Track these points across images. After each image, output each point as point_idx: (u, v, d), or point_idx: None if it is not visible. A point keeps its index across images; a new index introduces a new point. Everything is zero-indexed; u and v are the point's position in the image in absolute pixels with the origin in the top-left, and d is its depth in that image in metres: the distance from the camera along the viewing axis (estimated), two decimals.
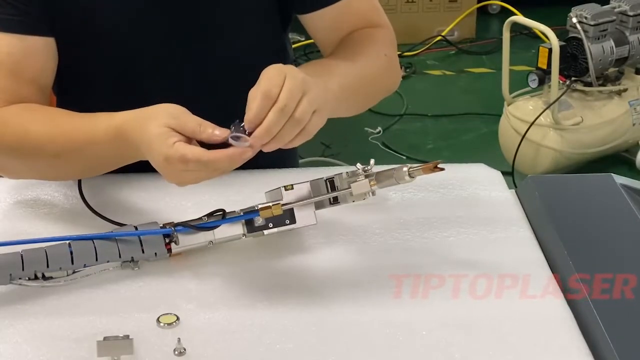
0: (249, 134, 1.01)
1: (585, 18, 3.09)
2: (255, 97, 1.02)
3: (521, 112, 3.14)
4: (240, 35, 1.30)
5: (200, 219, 1.09)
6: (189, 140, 1.03)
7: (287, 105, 1.01)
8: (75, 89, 1.33)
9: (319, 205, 1.10)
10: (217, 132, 1.03)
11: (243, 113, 1.42)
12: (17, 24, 1.19)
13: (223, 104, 1.32)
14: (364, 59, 1.25)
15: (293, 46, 1.55)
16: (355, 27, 1.31)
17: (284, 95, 1.01)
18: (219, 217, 1.08)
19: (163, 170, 1.04)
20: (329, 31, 1.32)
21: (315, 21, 1.32)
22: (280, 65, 1.06)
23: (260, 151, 1.38)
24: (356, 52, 1.26)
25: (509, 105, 3.20)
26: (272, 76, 1.03)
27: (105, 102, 1.30)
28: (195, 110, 1.31)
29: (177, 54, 1.27)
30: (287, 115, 1.01)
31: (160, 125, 1.03)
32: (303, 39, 3.87)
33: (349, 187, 1.08)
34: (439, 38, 4.49)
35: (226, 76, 1.31)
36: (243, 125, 1.02)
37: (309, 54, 3.95)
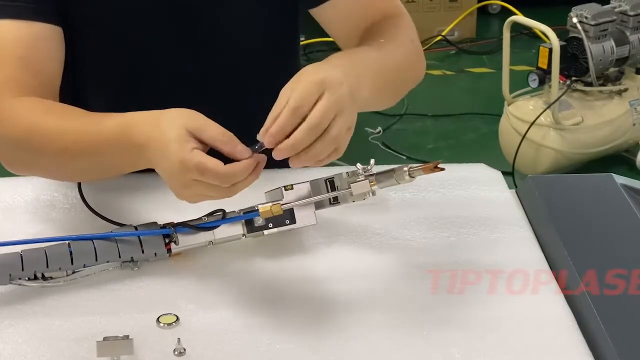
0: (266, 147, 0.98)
1: (586, 18, 3.10)
2: (280, 105, 0.98)
3: (521, 112, 3.14)
4: (249, 34, 1.29)
5: (200, 219, 1.09)
6: (204, 150, 0.99)
7: (319, 125, 0.97)
8: (80, 92, 1.32)
9: (319, 205, 1.10)
10: (239, 148, 0.98)
11: (254, 114, 1.42)
12: (24, 10, 1.17)
13: (234, 104, 1.32)
14: (392, 49, 1.22)
15: None
16: (371, 16, 1.29)
17: (317, 114, 0.97)
18: (219, 217, 1.08)
19: (174, 178, 0.99)
20: (343, 23, 1.31)
21: (328, 14, 1.30)
22: (320, 77, 0.99)
23: (262, 150, 1.39)
24: (384, 41, 1.23)
25: (509, 105, 3.20)
26: (307, 92, 0.98)
27: (111, 105, 1.30)
28: (206, 112, 1.31)
29: (186, 55, 1.27)
30: (317, 134, 0.97)
31: (179, 127, 0.99)
32: (303, 38, 3.87)
33: (349, 187, 1.08)
34: (439, 38, 4.50)
35: (236, 76, 1.30)
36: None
37: (309, 53, 3.96)
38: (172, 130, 0.99)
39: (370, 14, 1.30)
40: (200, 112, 1.30)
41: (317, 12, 1.32)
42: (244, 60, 1.31)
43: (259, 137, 0.98)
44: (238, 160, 0.98)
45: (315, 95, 0.98)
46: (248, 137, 1.38)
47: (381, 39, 1.23)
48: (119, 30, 1.24)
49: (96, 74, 1.29)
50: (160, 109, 1.30)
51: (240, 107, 1.33)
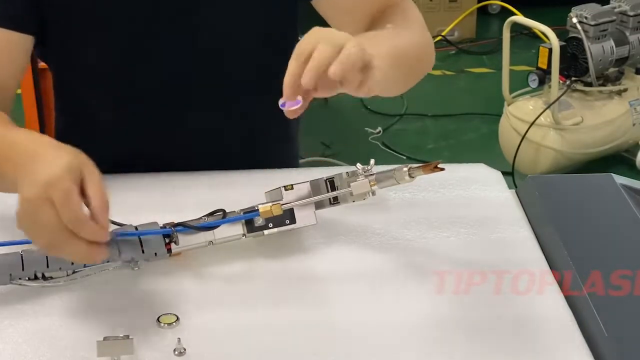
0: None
1: (586, 18, 3.10)
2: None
3: (521, 112, 3.14)
4: (248, 34, 1.29)
5: (200, 219, 1.09)
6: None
7: (333, 39, 0.94)
8: (71, 84, 1.32)
9: (319, 205, 1.10)
10: (106, 214, 0.94)
11: (252, 114, 1.40)
12: None
13: (232, 104, 1.32)
14: (403, 31, 1.21)
15: None
16: (377, 5, 1.28)
17: (326, 34, 0.95)
18: (219, 217, 1.08)
19: (37, 186, 0.90)
20: (347, 14, 1.29)
21: (330, 4, 1.29)
22: (317, 28, 0.99)
23: (262, 150, 1.39)
24: (393, 26, 1.22)
25: (509, 105, 3.20)
26: (306, 40, 0.97)
27: (102, 97, 1.30)
28: (205, 112, 1.31)
29: (184, 55, 1.27)
30: (336, 47, 0.94)
31: (78, 156, 0.95)
32: None
33: (349, 187, 1.08)
34: (439, 38, 4.50)
35: (235, 76, 1.30)
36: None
37: None
38: (71, 154, 0.95)
39: (375, 2, 1.29)
40: (200, 112, 1.31)
41: (319, 4, 1.31)
42: (243, 60, 1.30)
43: (280, 102, 0.96)
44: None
45: (315, 35, 0.97)
46: (246, 136, 1.38)
47: (389, 24, 1.22)
48: (116, 31, 1.24)
49: (94, 75, 1.28)
50: (159, 109, 1.31)
51: (239, 107, 1.33)
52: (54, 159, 0.93)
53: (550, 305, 1.03)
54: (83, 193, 0.94)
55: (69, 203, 0.91)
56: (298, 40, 1.39)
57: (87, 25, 1.23)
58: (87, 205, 0.94)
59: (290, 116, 0.98)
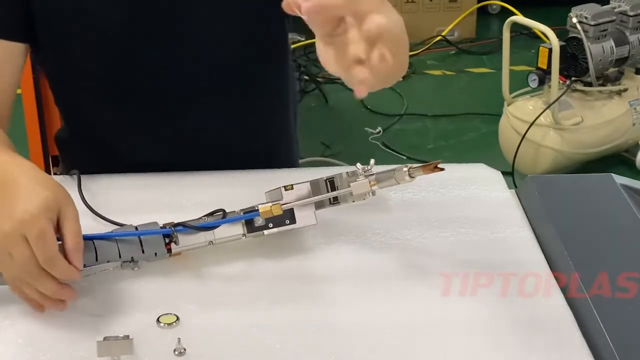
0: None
1: (586, 18, 3.10)
2: None
3: (521, 112, 3.14)
4: (235, 31, 1.29)
5: (200, 219, 1.09)
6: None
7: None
8: (68, 88, 1.32)
9: (319, 205, 1.10)
10: (80, 254, 0.96)
11: (251, 112, 1.37)
12: None
13: (227, 100, 1.31)
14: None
15: (293, 46, 1.54)
16: None
17: None
18: (219, 217, 1.08)
19: (8, 227, 0.92)
20: None
21: None
22: None
23: (262, 150, 1.39)
24: None
25: (509, 105, 3.20)
26: None
27: (100, 99, 1.30)
28: (197, 114, 1.31)
29: (179, 49, 1.26)
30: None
31: (53, 187, 0.96)
32: (303, 38, 3.87)
33: (349, 187, 1.08)
34: (439, 38, 4.50)
35: (230, 71, 1.30)
36: None
37: (309, 53, 3.95)
38: (50, 189, 0.96)
39: None
40: (200, 112, 1.30)
41: None
42: (233, 66, 1.30)
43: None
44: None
45: None
46: (246, 136, 1.38)
47: None
48: (112, 35, 1.23)
49: (91, 78, 1.28)
50: (159, 110, 1.30)
51: (239, 107, 1.33)
52: (32, 195, 0.95)
53: (550, 305, 1.03)
54: (59, 227, 0.96)
55: (43, 243, 0.93)
56: (289, 49, 1.39)
57: (82, 30, 1.23)
58: (62, 241, 0.96)
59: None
